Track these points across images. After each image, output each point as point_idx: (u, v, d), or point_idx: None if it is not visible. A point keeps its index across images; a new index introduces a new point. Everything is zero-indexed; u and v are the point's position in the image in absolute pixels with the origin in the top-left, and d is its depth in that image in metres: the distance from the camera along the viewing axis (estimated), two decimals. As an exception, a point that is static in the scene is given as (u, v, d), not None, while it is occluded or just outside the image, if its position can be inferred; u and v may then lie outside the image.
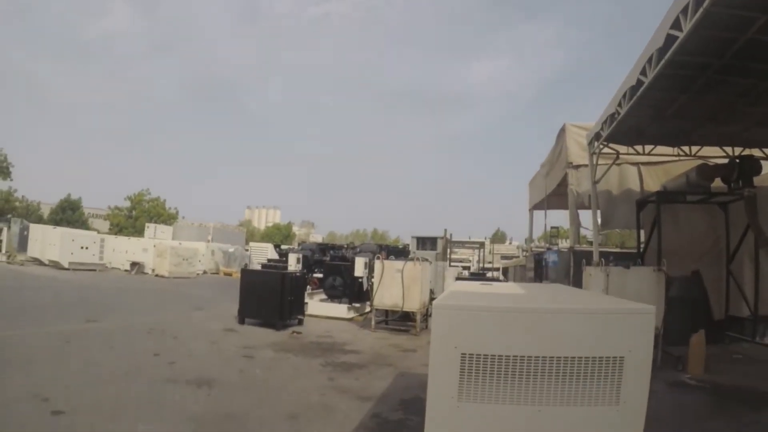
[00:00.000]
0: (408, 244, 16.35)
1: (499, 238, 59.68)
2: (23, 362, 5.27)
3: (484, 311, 2.63)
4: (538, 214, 14.64)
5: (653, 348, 6.55)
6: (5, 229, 17.98)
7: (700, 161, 9.23)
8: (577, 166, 10.08)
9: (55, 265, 17.46)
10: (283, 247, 16.52)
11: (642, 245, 9.39)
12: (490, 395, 2.50)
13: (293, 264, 11.77)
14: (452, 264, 16.80)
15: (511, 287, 4.43)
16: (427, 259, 10.96)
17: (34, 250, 18.67)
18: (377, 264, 10.20)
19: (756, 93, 6.95)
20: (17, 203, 40.27)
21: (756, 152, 9.21)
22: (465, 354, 2.51)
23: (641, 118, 7.79)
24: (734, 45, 5.60)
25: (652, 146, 9.33)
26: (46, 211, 45.32)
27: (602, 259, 7.91)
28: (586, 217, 10.81)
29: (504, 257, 29.65)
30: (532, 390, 2.50)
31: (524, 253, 18.99)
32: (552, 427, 2.53)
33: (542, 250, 13.70)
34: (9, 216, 24.13)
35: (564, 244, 15.33)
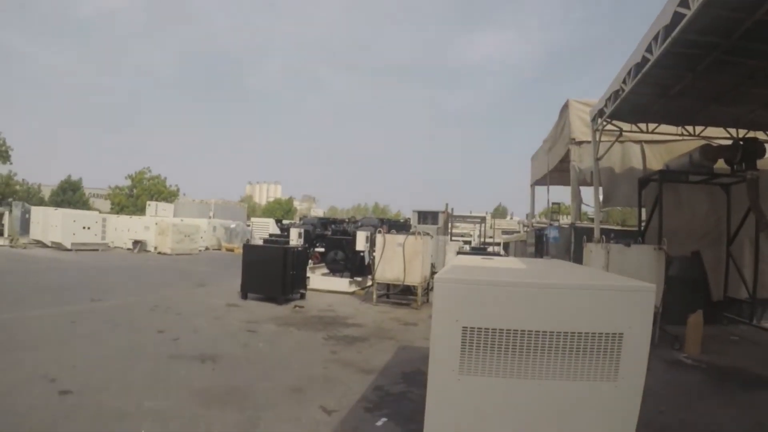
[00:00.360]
0: (409, 219, 16.34)
1: (500, 213, 59.68)
2: (30, 344, 5.32)
3: (485, 285, 2.63)
4: (540, 189, 14.55)
5: (655, 327, 6.56)
6: (6, 213, 17.95)
7: (703, 141, 9.14)
8: (580, 143, 9.97)
9: (58, 247, 17.53)
10: (285, 221, 16.52)
11: (643, 224, 9.36)
12: (491, 369, 2.54)
13: (295, 239, 11.80)
14: (453, 238, 16.84)
15: (512, 262, 4.44)
16: (428, 234, 10.97)
17: (36, 232, 18.71)
18: (379, 238, 10.21)
19: (763, 75, 6.83)
20: (17, 187, 40.18)
21: (761, 135, 9.14)
22: (466, 327, 2.53)
23: (646, 96, 7.65)
24: (742, 25, 5.46)
25: (655, 125, 9.21)
26: (46, 193, 45.27)
27: (603, 236, 7.90)
28: (587, 193, 10.75)
29: (505, 232, 29.57)
30: (532, 364, 2.53)
31: (525, 228, 18.97)
32: (551, 400, 2.57)
33: (543, 225, 13.69)
34: (10, 200, 24.13)
35: (565, 220, 15.31)
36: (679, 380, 5.63)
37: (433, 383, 2.62)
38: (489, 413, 2.59)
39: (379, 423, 3.86)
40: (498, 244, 22.44)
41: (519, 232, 25.72)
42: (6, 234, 17.45)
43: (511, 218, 51.04)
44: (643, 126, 9.19)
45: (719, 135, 9.35)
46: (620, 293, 2.64)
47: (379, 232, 10.51)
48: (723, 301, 9.32)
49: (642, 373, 2.62)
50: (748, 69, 6.66)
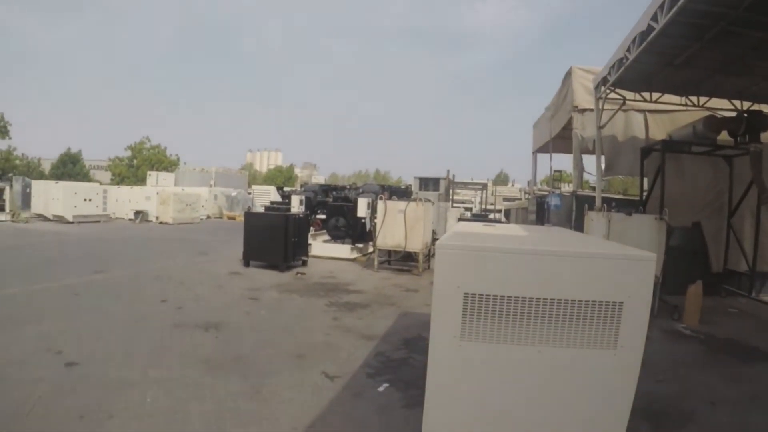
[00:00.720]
0: (410, 185, 16.26)
1: (501, 180, 59.48)
2: (35, 317, 5.34)
3: (487, 252, 2.61)
4: (542, 157, 14.48)
5: (654, 297, 6.54)
6: (7, 188, 17.87)
7: (707, 112, 9.02)
8: (583, 110, 9.84)
9: (60, 220, 17.54)
10: (286, 189, 16.46)
11: (645, 193, 9.30)
12: (492, 335, 2.54)
13: (296, 206, 11.77)
14: (455, 205, 16.81)
15: (513, 229, 4.41)
16: (429, 200, 10.93)
17: (37, 206, 18.68)
18: (380, 204, 10.18)
19: (767, 47, 6.68)
20: (17, 161, 40.00)
21: (765, 108, 8.98)
22: (468, 294, 2.52)
23: (650, 65, 7.56)
24: None
25: (659, 94, 9.11)
26: (46, 167, 45.15)
27: (604, 205, 7.86)
28: (589, 161, 10.67)
29: (506, 199, 29.43)
30: (533, 331, 2.53)
31: (527, 195, 18.87)
32: (551, 367, 2.58)
33: (545, 193, 13.62)
34: (10, 175, 24.03)
35: (566, 188, 15.22)
36: (678, 350, 5.67)
37: (434, 349, 2.62)
38: (489, 379, 2.61)
39: (381, 388, 3.91)
40: (499, 211, 22.40)
41: (520, 199, 25.64)
42: (7, 209, 17.41)
43: (513, 185, 50.84)
44: (646, 95, 9.10)
45: (723, 107, 9.27)
46: (621, 262, 2.62)
47: (381, 198, 10.47)
48: (722, 273, 9.35)
49: (641, 342, 2.63)
50: (754, 41, 6.55)
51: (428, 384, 2.65)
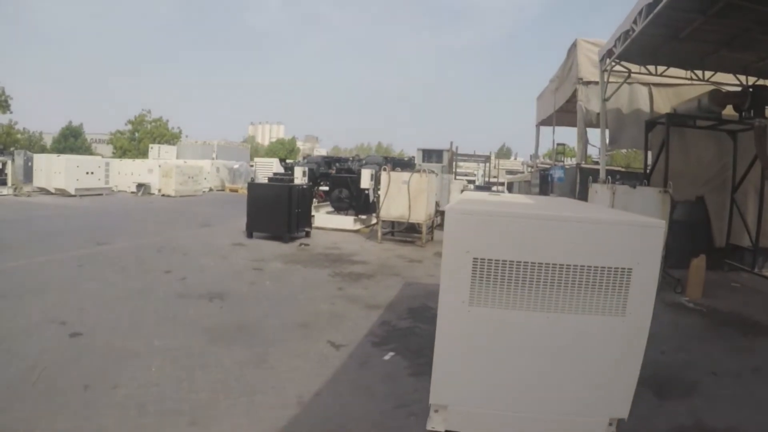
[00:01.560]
0: (413, 157, 16.14)
1: (504, 153, 59.18)
2: (38, 289, 5.34)
3: (497, 216, 2.59)
4: (545, 130, 14.43)
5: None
6: (9, 162, 17.76)
7: (712, 87, 8.87)
8: (588, 83, 9.75)
9: (62, 193, 17.50)
10: (289, 161, 16.37)
11: (649, 167, 9.21)
12: (501, 300, 2.53)
13: (299, 177, 11.70)
14: (457, 177, 16.71)
15: (520, 197, 4.36)
16: (433, 171, 10.83)
17: (39, 179, 18.58)
18: (383, 176, 10.10)
19: None
20: (19, 135, 39.73)
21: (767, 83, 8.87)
22: (477, 259, 2.51)
23: (656, 38, 7.45)
24: None
25: (664, 67, 9.01)
26: (48, 141, 44.89)
27: (608, 177, 7.83)
28: (593, 134, 10.61)
29: (509, 172, 29.31)
30: (542, 296, 2.52)
31: (529, 168, 18.72)
32: (560, 333, 2.58)
33: (548, 166, 13.51)
34: (12, 149, 23.86)
35: (569, 162, 15.08)
36: (680, 323, 5.66)
37: (443, 314, 2.62)
38: (498, 344, 2.61)
39: (387, 357, 3.91)
40: (502, 184, 22.27)
41: (522, 172, 25.49)
42: (9, 183, 17.34)
43: (515, 159, 50.55)
44: (651, 68, 9.01)
45: (728, 81, 9.16)
46: (630, 228, 2.60)
47: (384, 170, 10.38)
48: (725, 247, 9.33)
49: (649, 308, 2.62)
50: (759, 15, 6.40)
51: (437, 349, 2.66)
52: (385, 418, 2.96)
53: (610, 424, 2.74)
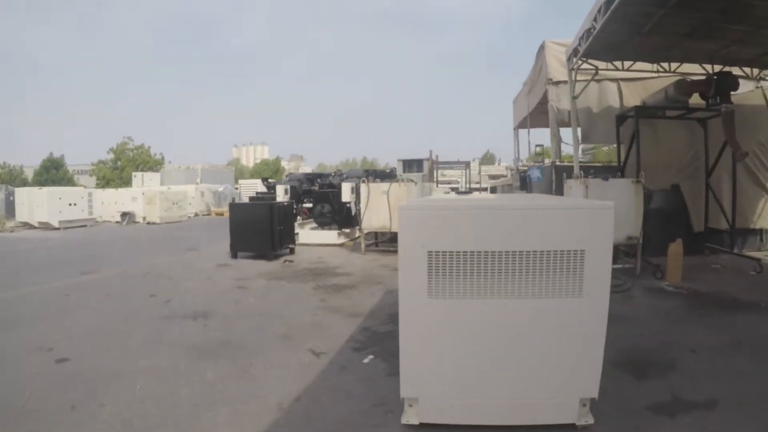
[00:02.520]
0: (395, 168, 16.35)
1: (488, 159, 59.74)
2: (26, 319, 5.36)
3: (447, 210, 2.71)
4: (524, 132, 14.61)
5: (637, 258, 6.71)
6: (-9, 198, 17.66)
7: (679, 77, 9.11)
8: (557, 83, 10.00)
9: (46, 226, 17.39)
10: (270, 180, 16.49)
11: (622, 159, 9.49)
12: (458, 290, 2.64)
13: (281, 195, 11.81)
14: (441, 185, 16.96)
15: (484, 195, 4.51)
16: (412, 180, 11.01)
17: (22, 214, 18.44)
18: (363, 187, 10.25)
19: (735, 11, 6.80)
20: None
21: (737, 71, 9.12)
22: (432, 252, 2.62)
23: (619, 34, 7.68)
24: None
25: (631, 62, 9.27)
26: (29, 174, 44.58)
27: (581, 172, 8.03)
28: (567, 133, 10.82)
29: (492, 177, 29.69)
30: (498, 284, 2.62)
31: (512, 172, 19.01)
32: (518, 318, 2.67)
33: (527, 167, 13.76)
34: (-7, 185, 23.72)
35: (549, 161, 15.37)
36: (660, 306, 5.80)
37: (404, 308, 2.71)
38: (460, 334, 2.70)
39: (366, 360, 4.01)
40: (485, 189, 22.54)
41: (506, 176, 25.80)
42: (-8, 219, 17.24)
43: (499, 164, 51.02)
44: (618, 64, 9.25)
45: (695, 71, 9.39)
46: (580, 211, 2.71)
47: (364, 181, 10.54)
48: (704, 232, 9.56)
49: (606, 288, 2.71)
50: (721, 4, 6.64)
51: (401, 343, 2.76)
52: (364, 417, 3.04)
53: (584, 405, 2.83)
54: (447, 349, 2.73)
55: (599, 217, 2.67)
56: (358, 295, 6.42)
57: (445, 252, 2.60)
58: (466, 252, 2.60)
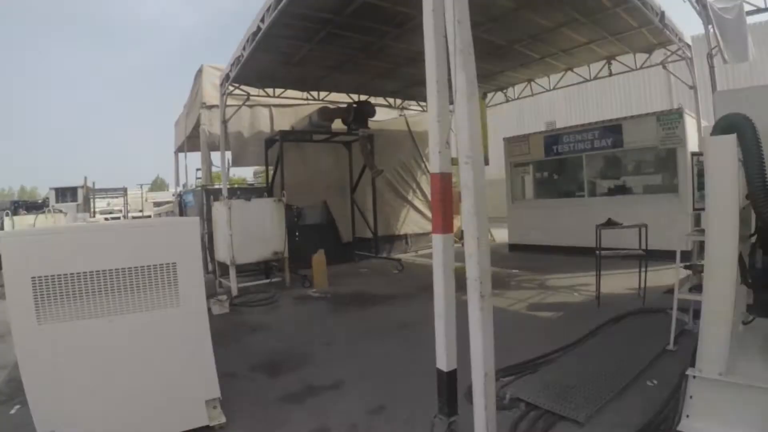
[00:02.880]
0: (47, 198, 14.51)
1: (158, 185, 55.60)
2: None
3: (47, 234, 2.80)
4: (183, 156, 14.23)
5: (285, 272, 7.69)
6: None
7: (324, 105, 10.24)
8: (210, 107, 10.04)
9: None
10: None
11: (270, 181, 10.06)
12: (66, 313, 2.69)
13: None
14: (101, 215, 15.62)
15: (102, 221, 4.46)
16: (61, 211, 10.04)
17: None
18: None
19: (375, 49, 7.81)
20: None
21: (381, 101, 10.73)
22: (35, 277, 2.62)
23: (269, 63, 8.09)
24: (351, 5, 6.22)
25: (283, 90, 9.95)
26: None
27: (225, 195, 8.29)
28: (217, 156, 10.23)
29: (157, 204, 27.94)
30: (101, 302, 2.76)
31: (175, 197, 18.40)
32: (125, 333, 2.82)
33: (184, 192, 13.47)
34: None
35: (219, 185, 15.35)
36: (305, 310, 6.54)
37: (17, 338, 2.64)
38: (74, 356, 2.74)
39: (13, 411, 3.60)
40: (148, 216, 21.12)
41: (172, 202, 24.89)
42: None
43: (170, 189, 48.43)
44: (270, 91, 9.89)
45: (343, 100, 10.69)
46: (167, 227, 3.09)
47: (7, 214, 9.24)
48: (353, 241, 10.89)
49: (201, 296, 3.02)
50: (361, 43, 7.59)
51: (24, 378, 2.66)
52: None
53: (214, 407, 3.07)
54: (67, 373, 2.71)
55: (185, 232, 3.02)
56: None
57: (48, 276, 2.63)
58: (69, 274, 2.67)
